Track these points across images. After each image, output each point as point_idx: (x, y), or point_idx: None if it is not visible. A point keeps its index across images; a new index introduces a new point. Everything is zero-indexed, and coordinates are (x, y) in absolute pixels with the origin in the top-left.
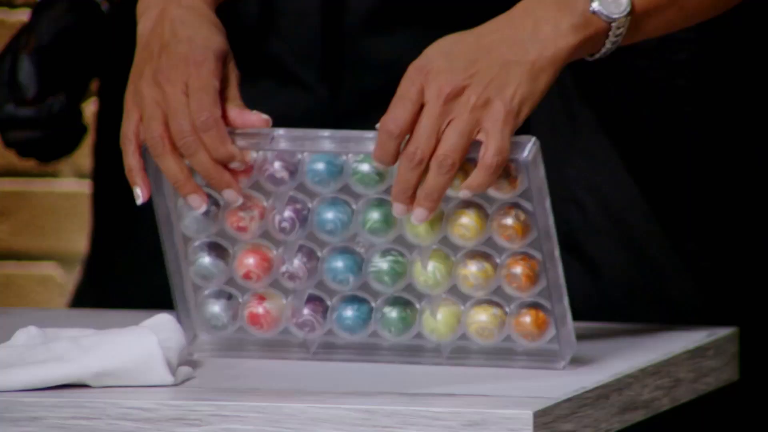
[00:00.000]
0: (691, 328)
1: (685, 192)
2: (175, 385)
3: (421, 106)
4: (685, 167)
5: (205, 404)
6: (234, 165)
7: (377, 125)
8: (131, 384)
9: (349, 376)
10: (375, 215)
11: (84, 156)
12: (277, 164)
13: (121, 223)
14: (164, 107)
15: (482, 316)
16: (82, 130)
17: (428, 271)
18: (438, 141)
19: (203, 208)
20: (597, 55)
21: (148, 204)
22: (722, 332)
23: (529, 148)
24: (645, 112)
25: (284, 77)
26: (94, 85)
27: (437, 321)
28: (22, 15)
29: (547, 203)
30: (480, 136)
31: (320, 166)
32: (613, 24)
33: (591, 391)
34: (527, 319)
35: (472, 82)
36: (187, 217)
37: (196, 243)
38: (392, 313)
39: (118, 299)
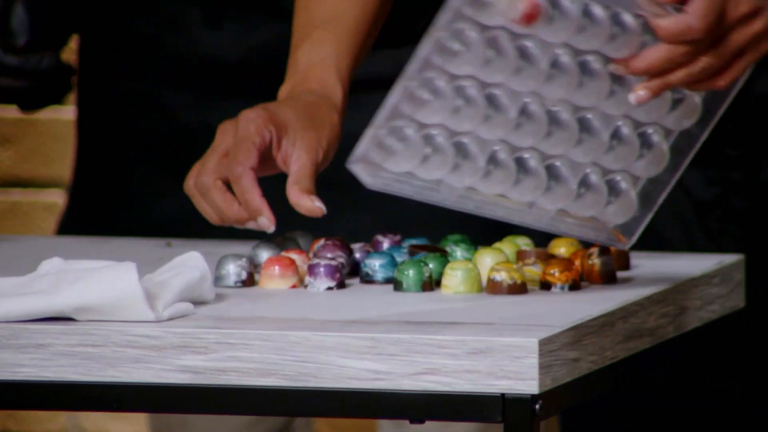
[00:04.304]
0: (697, 255)
1: None
2: (159, 321)
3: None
4: None
5: (211, 332)
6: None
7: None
8: (112, 319)
9: (355, 305)
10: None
11: None
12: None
13: (108, 153)
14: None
15: None
16: (68, 86)
17: None
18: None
19: (272, 228)
20: None
21: (141, 139)
22: (728, 259)
23: None
24: None
25: (273, 10)
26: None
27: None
28: None
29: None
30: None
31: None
32: None
33: (596, 319)
34: None
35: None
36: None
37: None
38: None
39: (107, 229)
